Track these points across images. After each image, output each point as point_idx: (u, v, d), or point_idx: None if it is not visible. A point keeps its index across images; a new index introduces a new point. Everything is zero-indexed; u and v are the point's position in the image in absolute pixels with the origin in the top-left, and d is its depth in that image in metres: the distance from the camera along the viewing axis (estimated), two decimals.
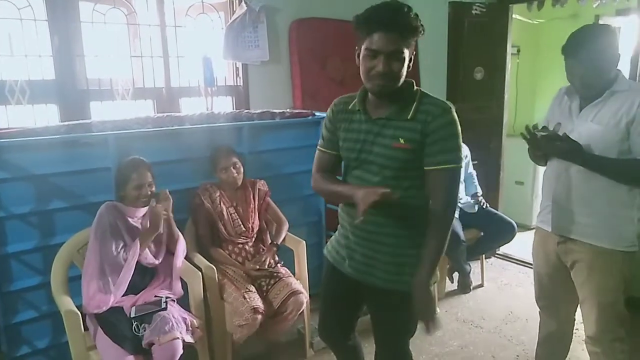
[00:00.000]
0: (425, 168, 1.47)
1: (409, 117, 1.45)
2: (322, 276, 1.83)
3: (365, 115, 1.52)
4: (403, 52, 1.40)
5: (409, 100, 1.47)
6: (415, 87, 1.50)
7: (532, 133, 1.83)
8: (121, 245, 2.12)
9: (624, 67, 1.81)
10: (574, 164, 1.78)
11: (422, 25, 1.43)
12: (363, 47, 1.43)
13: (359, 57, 1.47)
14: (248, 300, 2.26)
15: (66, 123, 2.34)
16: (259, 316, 2.24)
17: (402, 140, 1.44)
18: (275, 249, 2.56)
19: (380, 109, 1.50)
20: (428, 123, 1.43)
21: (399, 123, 1.46)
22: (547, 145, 1.79)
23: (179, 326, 2.03)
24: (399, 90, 1.47)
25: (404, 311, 1.60)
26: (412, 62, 1.46)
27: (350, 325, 1.83)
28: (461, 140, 1.48)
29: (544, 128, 1.83)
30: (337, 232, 1.74)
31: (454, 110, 1.47)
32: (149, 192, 2.20)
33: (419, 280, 1.49)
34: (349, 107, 1.59)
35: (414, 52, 1.47)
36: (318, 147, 1.70)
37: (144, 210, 2.24)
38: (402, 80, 1.45)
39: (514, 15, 3.78)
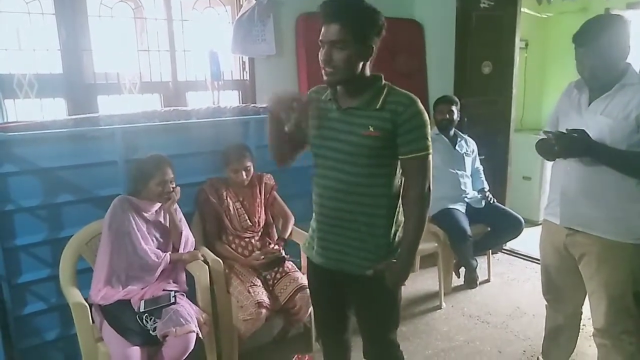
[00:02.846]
0: (400, 157, 1.53)
1: (377, 107, 1.50)
2: (307, 274, 1.86)
3: (336, 104, 1.56)
4: (346, 42, 1.43)
5: (377, 92, 1.53)
6: (383, 81, 1.56)
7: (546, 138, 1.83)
8: (133, 237, 2.14)
9: (634, 60, 1.79)
10: (586, 157, 1.77)
11: (376, 19, 1.46)
12: None
13: None
14: (253, 294, 2.27)
15: (74, 117, 2.35)
16: (264, 310, 2.24)
17: (371, 128, 1.49)
18: (282, 243, 2.56)
19: (349, 99, 1.55)
20: (400, 113, 1.48)
21: (368, 112, 1.51)
22: (561, 140, 1.77)
23: (193, 320, 2.05)
24: (365, 82, 1.53)
25: (380, 298, 1.65)
26: (371, 56, 1.50)
27: (343, 318, 1.83)
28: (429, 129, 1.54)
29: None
30: (310, 228, 1.76)
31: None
32: (172, 189, 2.23)
33: (396, 264, 1.59)
34: (322, 97, 1.63)
35: (372, 47, 1.49)
36: None
37: (157, 204, 2.25)
38: (352, 70, 1.48)
39: (522, 9, 3.75)
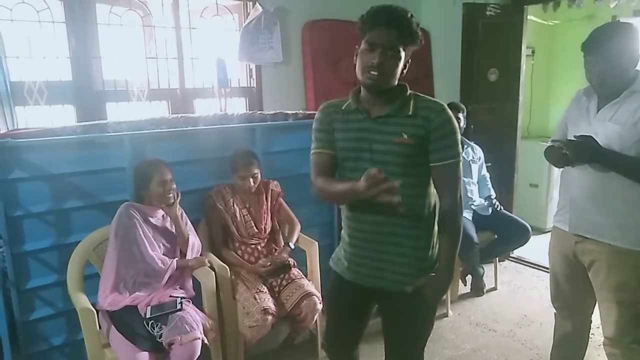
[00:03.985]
0: (431, 165, 1.49)
1: (410, 114, 1.47)
2: (328, 288, 1.81)
3: (364, 114, 1.51)
4: (400, 51, 1.43)
5: (405, 100, 1.50)
6: (409, 90, 1.53)
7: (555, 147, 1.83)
8: (140, 245, 2.15)
9: None
10: (594, 163, 1.76)
11: (421, 36, 1.46)
12: (363, 42, 1.45)
13: (357, 56, 1.49)
14: (259, 301, 2.27)
15: (83, 123, 2.37)
16: (270, 317, 2.24)
17: (405, 135, 1.46)
18: (289, 249, 2.56)
19: (378, 108, 1.51)
20: (431, 120, 1.45)
21: (400, 120, 1.48)
22: (569, 147, 1.77)
23: (199, 326, 2.05)
24: (393, 91, 1.50)
25: (417, 314, 1.60)
26: (405, 69, 1.49)
27: (360, 334, 1.80)
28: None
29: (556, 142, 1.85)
30: (341, 242, 1.70)
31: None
32: (173, 188, 2.24)
33: (436, 278, 1.54)
34: (342, 108, 1.57)
35: (409, 61, 1.49)
36: (312, 151, 1.64)
37: (162, 210, 2.27)
38: (395, 80, 1.47)
39: (528, 17, 3.75)
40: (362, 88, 1.53)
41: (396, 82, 1.49)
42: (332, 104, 1.62)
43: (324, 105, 1.64)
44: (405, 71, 1.49)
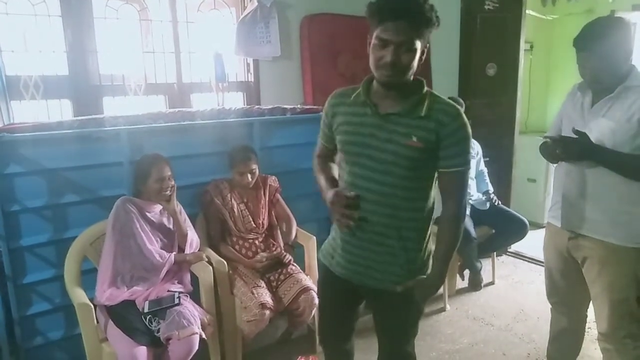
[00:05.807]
0: (440, 170, 1.45)
1: (422, 115, 1.40)
2: (318, 281, 1.80)
3: (372, 108, 1.44)
4: (414, 44, 1.34)
5: (420, 98, 1.42)
6: (425, 87, 1.46)
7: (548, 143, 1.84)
8: (137, 238, 2.14)
9: (638, 63, 1.78)
10: (585, 159, 1.76)
11: (437, 16, 1.36)
12: (374, 36, 1.37)
13: (369, 45, 1.40)
14: (256, 295, 2.27)
15: (79, 118, 2.36)
16: (267, 312, 2.25)
17: (414, 138, 1.39)
18: (290, 249, 2.55)
19: (388, 103, 1.44)
20: (445, 125, 1.38)
21: (411, 121, 1.40)
22: (559, 144, 1.77)
23: (196, 321, 2.05)
24: (408, 85, 1.42)
25: (405, 314, 1.59)
26: (424, 55, 1.41)
27: (350, 328, 1.79)
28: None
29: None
30: (330, 235, 1.68)
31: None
32: (170, 186, 2.22)
33: (426, 281, 1.53)
34: (350, 99, 1.52)
35: (427, 45, 1.40)
36: (319, 136, 1.71)
37: (160, 205, 2.26)
38: (411, 72, 1.39)
39: (527, 11, 3.74)
40: (374, 80, 1.46)
41: (412, 76, 1.41)
42: (341, 94, 1.57)
43: (332, 95, 1.60)
44: (423, 58, 1.41)
